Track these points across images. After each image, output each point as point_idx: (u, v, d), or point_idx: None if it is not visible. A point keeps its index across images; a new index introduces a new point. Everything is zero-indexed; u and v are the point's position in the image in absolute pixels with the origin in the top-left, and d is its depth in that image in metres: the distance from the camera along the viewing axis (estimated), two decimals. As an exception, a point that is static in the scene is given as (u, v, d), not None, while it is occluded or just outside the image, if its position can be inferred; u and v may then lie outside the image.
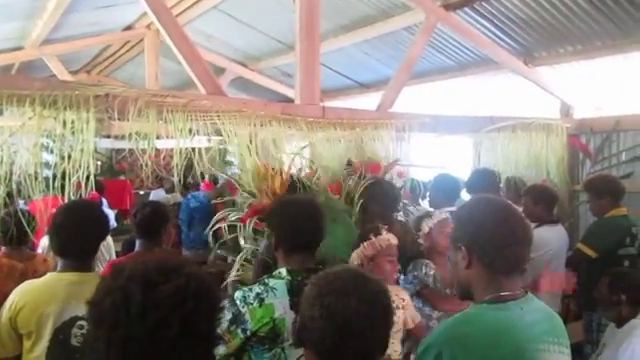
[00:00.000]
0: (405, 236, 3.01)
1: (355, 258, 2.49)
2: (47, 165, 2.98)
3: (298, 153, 3.63)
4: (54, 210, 2.38)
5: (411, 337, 2.75)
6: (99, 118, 2.97)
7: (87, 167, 2.92)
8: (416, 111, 4.33)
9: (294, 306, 1.86)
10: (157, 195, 8.59)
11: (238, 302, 1.90)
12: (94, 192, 3.19)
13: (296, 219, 2.06)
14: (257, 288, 1.93)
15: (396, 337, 2.51)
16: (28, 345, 2.10)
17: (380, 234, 2.50)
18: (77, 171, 2.88)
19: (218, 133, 3.40)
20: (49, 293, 2.11)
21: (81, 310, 2.07)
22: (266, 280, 1.97)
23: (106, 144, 6.70)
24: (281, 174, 3.23)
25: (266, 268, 2.30)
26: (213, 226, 3.34)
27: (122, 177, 9.74)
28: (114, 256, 4.12)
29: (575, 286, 3.82)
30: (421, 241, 3.10)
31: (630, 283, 3.03)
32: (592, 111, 5.38)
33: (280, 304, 1.89)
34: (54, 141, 2.93)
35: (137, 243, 3.07)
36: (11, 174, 2.74)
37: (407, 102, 4.89)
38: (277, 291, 1.91)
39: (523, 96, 5.79)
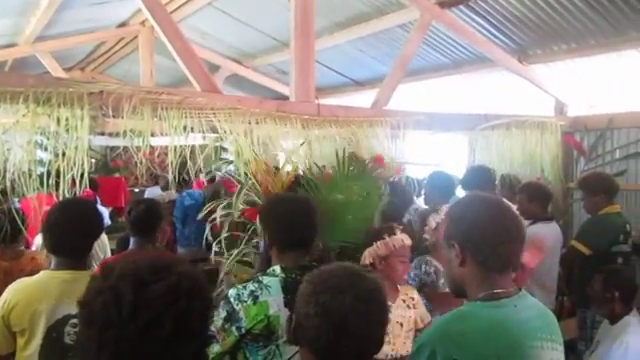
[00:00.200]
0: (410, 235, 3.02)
1: (367, 257, 2.46)
2: (41, 163, 2.96)
3: (294, 151, 3.63)
4: (48, 208, 2.37)
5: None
6: (93, 115, 2.96)
7: (81, 165, 2.91)
8: (411, 109, 4.34)
9: (288, 303, 1.86)
10: (152, 192, 8.57)
11: (232, 300, 1.90)
12: (88, 190, 3.18)
13: (289, 216, 2.06)
14: (251, 286, 1.93)
15: (409, 336, 2.50)
16: (22, 343, 2.09)
17: (394, 234, 2.47)
18: (71, 169, 2.88)
19: (213, 130, 3.39)
20: (42, 291, 2.10)
21: (74, 308, 2.03)
22: (260, 278, 1.97)
23: (100, 141, 6.69)
24: (283, 172, 3.23)
25: (269, 264, 2.30)
26: (206, 220, 3.33)
27: (117, 175, 9.71)
28: (109, 254, 4.10)
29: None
30: (427, 236, 3.09)
31: (623, 280, 3.05)
32: (586, 109, 5.40)
33: (274, 301, 1.89)
34: (48, 138, 2.91)
35: (131, 241, 3.06)
36: (5, 172, 2.72)
37: (402, 100, 4.90)
38: (271, 289, 1.91)
39: (518, 94, 5.81)
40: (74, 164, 2.89)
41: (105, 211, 5.88)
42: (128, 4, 6.20)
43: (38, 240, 3.61)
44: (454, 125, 4.64)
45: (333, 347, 1.29)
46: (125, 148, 3.19)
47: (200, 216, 3.47)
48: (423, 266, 3.02)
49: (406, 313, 2.46)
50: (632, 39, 4.45)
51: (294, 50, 3.77)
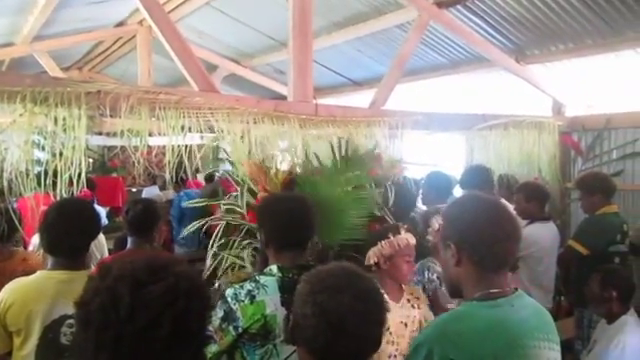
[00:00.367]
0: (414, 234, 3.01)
1: (372, 256, 2.44)
2: (38, 162, 2.95)
3: (290, 150, 3.63)
4: (45, 207, 2.36)
5: None
6: (91, 115, 2.96)
7: (79, 164, 2.90)
8: (409, 109, 4.34)
9: (285, 303, 1.86)
10: (150, 192, 8.56)
11: (229, 299, 1.90)
12: (86, 190, 3.17)
13: (286, 216, 2.05)
14: (248, 285, 1.93)
15: (413, 337, 2.48)
16: (18, 343, 2.08)
17: (399, 233, 2.46)
18: (69, 168, 2.87)
19: (211, 130, 3.39)
20: (38, 291, 2.10)
21: (71, 309, 2.03)
22: (257, 277, 1.97)
23: (98, 141, 6.69)
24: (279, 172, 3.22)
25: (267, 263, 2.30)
26: (204, 224, 3.33)
27: (114, 174, 9.70)
28: (106, 254, 4.09)
29: None
30: (430, 237, 3.07)
31: (621, 280, 3.06)
32: (584, 109, 5.42)
33: (271, 301, 1.89)
34: (45, 138, 2.91)
35: (129, 241, 3.05)
36: (2, 171, 2.72)
37: (400, 100, 4.90)
38: (268, 288, 1.92)
39: (515, 94, 5.82)
40: (71, 164, 2.88)
41: (102, 211, 5.87)
42: (126, 3, 6.19)
43: (35, 240, 3.60)
44: (452, 125, 4.64)
45: (331, 347, 1.29)
46: (123, 148, 3.18)
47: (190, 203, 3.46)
48: (426, 272, 2.99)
49: (411, 313, 2.45)
50: (629, 39, 4.46)
51: (292, 50, 3.77)
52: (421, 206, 4.12)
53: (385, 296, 2.28)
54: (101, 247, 4.13)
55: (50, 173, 2.86)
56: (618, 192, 3.97)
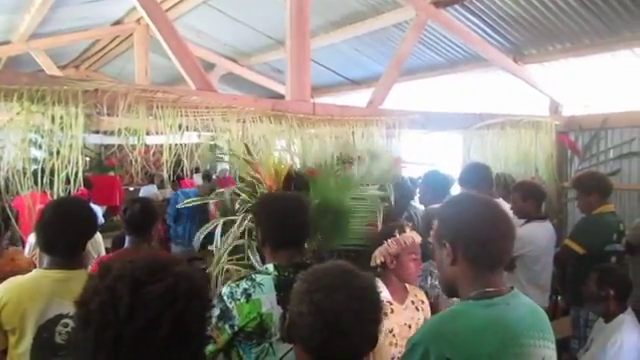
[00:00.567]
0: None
1: (378, 256, 2.42)
2: (35, 161, 2.95)
3: (288, 149, 3.63)
4: (42, 206, 2.36)
5: None
6: (88, 113, 2.95)
7: (76, 163, 2.90)
8: (406, 108, 4.35)
9: (281, 301, 1.87)
10: (147, 191, 8.56)
11: (225, 298, 1.91)
12: (83, 189, 3.17)
13: (282, 214, 2.06)
14: (244, 284, 1.94)
15: None
16: (13, 341, 2.08)
17: (405, 231, 2.44)
18: (66, 167, 2.87)
19: (208, 129, 3.39)
20: (33, 290, 2.09)
21: (66, 308, 2.05)
22: (253, 276, 1.98)
23: (95, 140, 6.67)
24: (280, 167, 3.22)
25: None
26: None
27: (111, 173, 9.68)
28: (103, 252, 4.09)
29: None
30: (431, 239, 3.05)
31: (618, 278, 3.07)
32: (580, 109, 5.43)
33: (267, 299, 1.90)
34: (42, 137, 2.90)
35: (127, 240, 3.05)
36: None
37: (397, 99, 4.90)
38: (264, 287, 1.92)
39: (512, 93, 5.83)
40: (68, 162, 2.88)
41: (99, 210, 5.87)
42: (123, 2, 6.18)
43: (32, 239, 3.60)
44: (449, 124, 4.65)
45: (326, 345, 1.30)
46: (120, 146, 3.17)
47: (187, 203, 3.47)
48: (429, 278, 2.97)
49: (415, 315, 2.43)
50: (626, 39, 4.47)
51: (290, 49, 3.77)
52: (418, 205, 4.13)
53: (388, 297, 2.31)
54: (98, 246, 4.12)
55: (47, 172, 2.85)
56: (615, 192, 3.98)
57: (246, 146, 3.32)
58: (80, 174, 2.92)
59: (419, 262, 2.46)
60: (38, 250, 2.64)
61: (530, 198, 3.86)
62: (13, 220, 2.93)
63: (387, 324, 2.24)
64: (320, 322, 1.29)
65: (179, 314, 1.04)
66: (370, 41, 6.20)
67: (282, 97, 4.20)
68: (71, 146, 2.89)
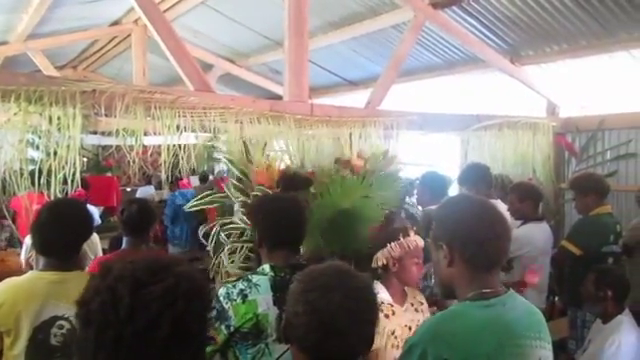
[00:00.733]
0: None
1: (380, 258, 2.41)
2: (32, 161, 2.94)
3: (285, 150, 3.63)
4: (38, 207, 2.35)
5: None
6: (86, 114, 2.94)
7: (73, 164, 2.89)
8: (404, 109, 4.35)
9: (277, 302, 1.88)
10: (144, 192, 8.56)
11: (222, 299, 1.91)
12: (80, 189, 3.16)
13: (278, 215, 2.07)
14: (240, 284, 1.94)
15: None
16: (8, 343, 2.07)
17: (409, 235, 2.43)
18: (63, 168, 2.86)
19: (206, 130, 3.39)
20: (28, 291, 2.08)
21: (61, 310, 2.05)
22: (249, 276, 1.99)
23: (93, 140, 6.66)
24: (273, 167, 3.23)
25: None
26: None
27: (109, 174, 9.67)
28: (100, 253, 4.08)
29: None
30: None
31: (616, 279, 3.07)
32: (578, 110, 5.44)
33: (263, 300, 1.90)
34: (40, 137, 2.90)
35: (124, 240, 3.05)
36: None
37: (395, 100, 4.91)
38: (260, 287, 1.93)
39: (510, 95, 5.84)
40: (66, 163, 2.87)
41: (95, 211, 5.85)
42: (121, 2, 6.17)
43: (28, 240, 3.59)
44: (447, 125, 4.66)
45: (322, 345, 1.30)
46: (118, 147, 3.16)
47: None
48: (433, 277, 2.97)
49: (415, 317, 2.43)
50: (623, 40, 4.48)
51: (288, 49, 3.77)
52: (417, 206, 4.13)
53: (389, 299, 2.31)
54: (95, 247, 4.11)
55: (44, 172, 2.85)
56: (612, 193, 3.99)
57: (245, 145, 3.32)
58: (78, 175, 2.92)
59: (421, 266, 2.46)
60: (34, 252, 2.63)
61: (527, 199, 3.86)
62: (10, 221, 2.92)
63: (389, 326, 2.24)
64: (315, 322, 1.30)
65: (180, 314, 1.05)
66: (368, 42, 6.21)
67: (280, 98, 4.20)
68: (69, 147, 2.89)
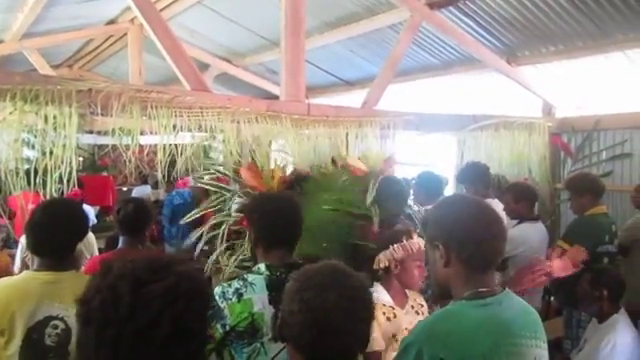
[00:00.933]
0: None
1: (382, 260, 2.41)
2: (28, 161, 2.93)
3: (282, 150, 3.63)
4: (34, 206, 2.34)
5: None
6: (82, 113, 2.94)
7: (69, 163, 2.88)
8: (400, 109, 4.35)
9: (273, 301, 1.88)
10: (140, 191, 8.53)
11: (217, 298, 1.91)
12: (76, 189, 3.15)
13: (274, 215, 2.06)
14: (236, 283, 1.94)
15: None
16: (2, 343, 2.06)
17: (411, 237, 2.43)
18: (59, 167, 2.85)
19: (203, 129, 3.38)
20: (22, 292, 2.07)
21: (55, 310, 2.04)
22: (245, 276, 1.99)
23: (89, 140, 6.63)
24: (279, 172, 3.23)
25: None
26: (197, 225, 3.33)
27: (104, 173, 9.64)
28: (96, 253, 4.07)
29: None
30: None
31: (612, 279, 3.09)
32: (573, 110, 5.46)
33: (259, 299, 1.90)
34: (35, 136, 2.89)
35: (120, 240, 3.05)
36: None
37: (392, 100, 4.91)
38: (256, 286, 1.92)
39: (506, 95, 5.86)
40: (62, 162, 2.86)
41: (91, 210, 5.84)
42: (117, 1, 6.16)
43: (24, 240, 3.58)
44: (443, 126, 4.66)
45: (317, 343, 1.30)
46: (113, 146, 3.16)
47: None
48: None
49: (415, 319, 2.42)
50: (618, 41, 4.50)
51: (284, 49, 3.77)
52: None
53: (390, 301, 2.31)
54: (90, 247, 4.10)
55: (40, 172, 2.84)
56: (607, 193, 4.00)
57: (251, 152, 3.31)
58: (74, 174, 2.91)
59: (423, 268, 2.45)
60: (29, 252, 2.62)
61: (523, 199, 3.88)
62: (7, 221, 2.91)
63: (391, 329, 2.25)
64: (310, 320, 1.30)
65: (180, 313, 1.05)
66: (365, 42, 6.21)
67: (277, 98, 4.21)
68: (64, 146, 2.88)
